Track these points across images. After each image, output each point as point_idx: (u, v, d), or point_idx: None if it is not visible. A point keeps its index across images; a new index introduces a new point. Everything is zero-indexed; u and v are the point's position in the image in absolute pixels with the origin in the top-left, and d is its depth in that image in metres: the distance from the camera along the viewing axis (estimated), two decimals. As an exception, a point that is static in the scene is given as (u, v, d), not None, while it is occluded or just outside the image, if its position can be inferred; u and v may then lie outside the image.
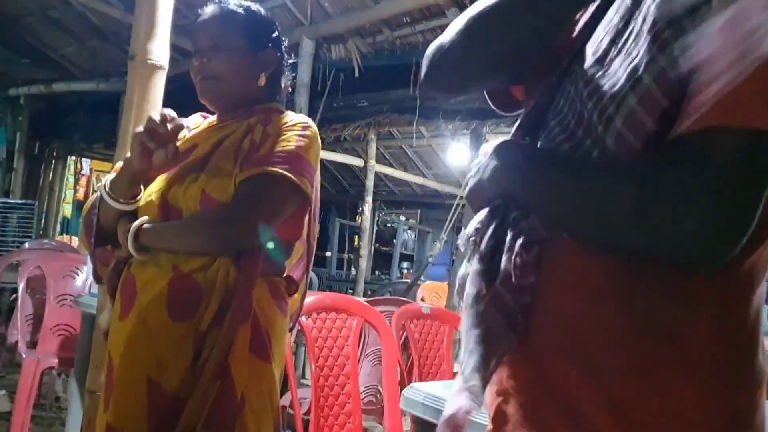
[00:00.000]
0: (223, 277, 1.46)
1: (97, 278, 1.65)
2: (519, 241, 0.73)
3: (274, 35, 1.69)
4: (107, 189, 1.52)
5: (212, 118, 1.71)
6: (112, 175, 1.56)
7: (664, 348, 0.66)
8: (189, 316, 1.44)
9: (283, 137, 1.55)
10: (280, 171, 1.49)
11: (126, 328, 1.47)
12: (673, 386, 0.65)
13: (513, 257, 0.73)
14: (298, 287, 1.68)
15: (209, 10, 1.64)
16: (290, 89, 1.80)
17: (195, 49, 1.61)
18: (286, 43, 1.75)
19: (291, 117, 1.64)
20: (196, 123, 1.73)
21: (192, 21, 1.66)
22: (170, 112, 1.45)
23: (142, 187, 1.57)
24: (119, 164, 1.57)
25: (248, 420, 1.46)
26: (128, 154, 1.49)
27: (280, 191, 1.50)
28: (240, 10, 1.64)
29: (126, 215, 1.53)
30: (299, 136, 1.57)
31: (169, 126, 1.43)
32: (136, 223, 1.48)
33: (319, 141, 1.63)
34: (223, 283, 1.45)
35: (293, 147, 1.54)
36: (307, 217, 1.68)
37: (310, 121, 1.64)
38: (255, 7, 1.68)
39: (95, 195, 1.60)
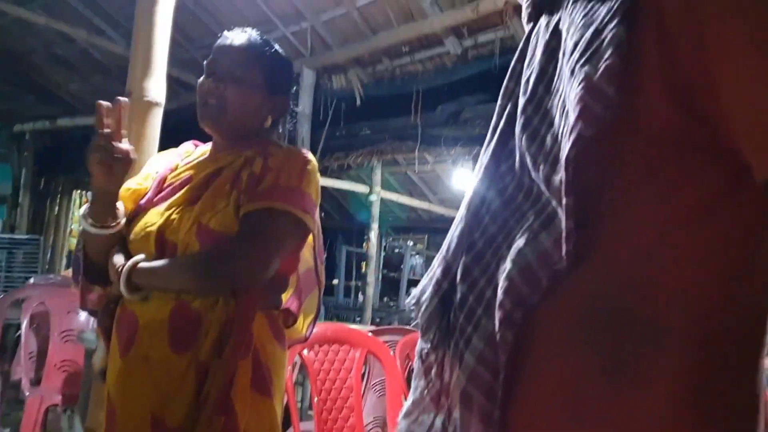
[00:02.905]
0: (223, 306, 1.44)
1: (85, 308, 1.62)
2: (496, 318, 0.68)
3: (290, 82, 1.70)
4: (87, 219, 1.49)
5: (205, 147, 1.69)
6: (86, 207, 1.54)
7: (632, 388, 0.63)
8: (190, 346, 1.42)
9: (285, 172, 1.54)
10: (283, 206, 1.48)
11: (128, 365, 1.46)
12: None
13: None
14: (296, 319, 1.67)
15: (235, 36, 1.62)
16: (286, 133, 1.80)
17: (209, 69, 1.59)
18: (294, 90, 1.76)
19: (291, 151, 1.63)
20: (187, 151, 1.71)
21: (193, 55, 1.67)
22: (105, 104, 1.45)
23: (121, 207, 1.54)
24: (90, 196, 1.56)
25: None
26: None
27: (283, 226, 1.49)
28: (267, 48, 1.63)
29: (118, 250, 1.51)
30: (301, 171, 1.56)
31: (109, 121, 1.43)
32: (129, 263, 1.45)
33: (319, 175, 1.63)
34: (222, 311, 1.44)
35: (295, 182, 1.53)
36: (312, 250, 1.68)
37: (310, 155, 1.63)
38: (279, 48, 1.68)
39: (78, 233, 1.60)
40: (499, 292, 0.68)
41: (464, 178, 7.82)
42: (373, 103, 5.62)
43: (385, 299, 11.38)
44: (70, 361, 3.74)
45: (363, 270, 10.03)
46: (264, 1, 5.65)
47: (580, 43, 0.65)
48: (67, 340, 3.76)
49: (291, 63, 1.73)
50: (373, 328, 4.34)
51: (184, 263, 1.47)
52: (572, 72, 0.65)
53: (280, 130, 1.74)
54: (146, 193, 1.61)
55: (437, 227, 11.54)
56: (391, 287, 11.80)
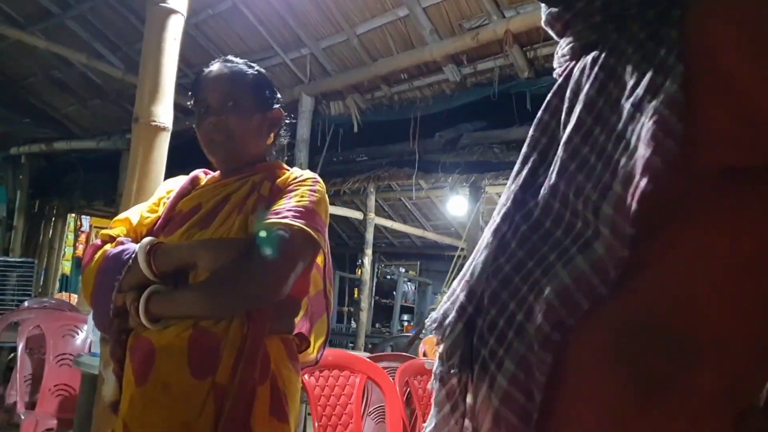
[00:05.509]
0: (239, 327, 1.44)
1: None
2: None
3: (275, 94, 1.71)
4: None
5: (214, 174, 1.70)
6: (168, 246, 1.50)
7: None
8: (211, 371, 1.41)
9: (296, 192, 1.55)
10: (298, 224, 1.47)
11: (146, 394, 1.43)
12: None
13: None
14: (309, 343, 1.66)
15: (217, 67, 1.64)
16: (284, 145, 1.81)
17: (203, 106, 1.60)
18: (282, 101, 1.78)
19: (299, 172, 1.64)
20: (198, 178, 1.73)
21: (192, 80, 1.67)
22: None
23: None
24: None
25: None
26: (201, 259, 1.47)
27: (297, 244, 1.48)
28: (249, 70, 1.66)
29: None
30: (311, 191, 1.57)
31: None
32: (145, 293, 1.44)
33: (327, 196, 1.64)
34: (238, 333, 1.43)
35: (307, 202, 1.53)
36: (321, 273, 1.68)
37: (317, 177, 1.65)
38: (257, 67, 1.71)
39: (103, 253, 1.53)
40: (538, 315, 0.69)
41: (459, 204, 7.86)
42: (371, 130, 5.65)
43: (377, 325, 11.36)
44: (64, 385, 3.71)
45: (356, 296, 10.02)
46: (264, 27, 5.70)
47: (644, 80, 0.68)
48: (62, 364, 3.74)
49: (268, 77, 1.74)
50: (368, 354, 4.34)
51: (202, 289, 1.46)
52: (636, 107, 0.67)
53: (278, 142, 1.75)
54: (158, 219, 1.62)
55: (430, 254, 11.56)
56: (383, 314, 11.78)
